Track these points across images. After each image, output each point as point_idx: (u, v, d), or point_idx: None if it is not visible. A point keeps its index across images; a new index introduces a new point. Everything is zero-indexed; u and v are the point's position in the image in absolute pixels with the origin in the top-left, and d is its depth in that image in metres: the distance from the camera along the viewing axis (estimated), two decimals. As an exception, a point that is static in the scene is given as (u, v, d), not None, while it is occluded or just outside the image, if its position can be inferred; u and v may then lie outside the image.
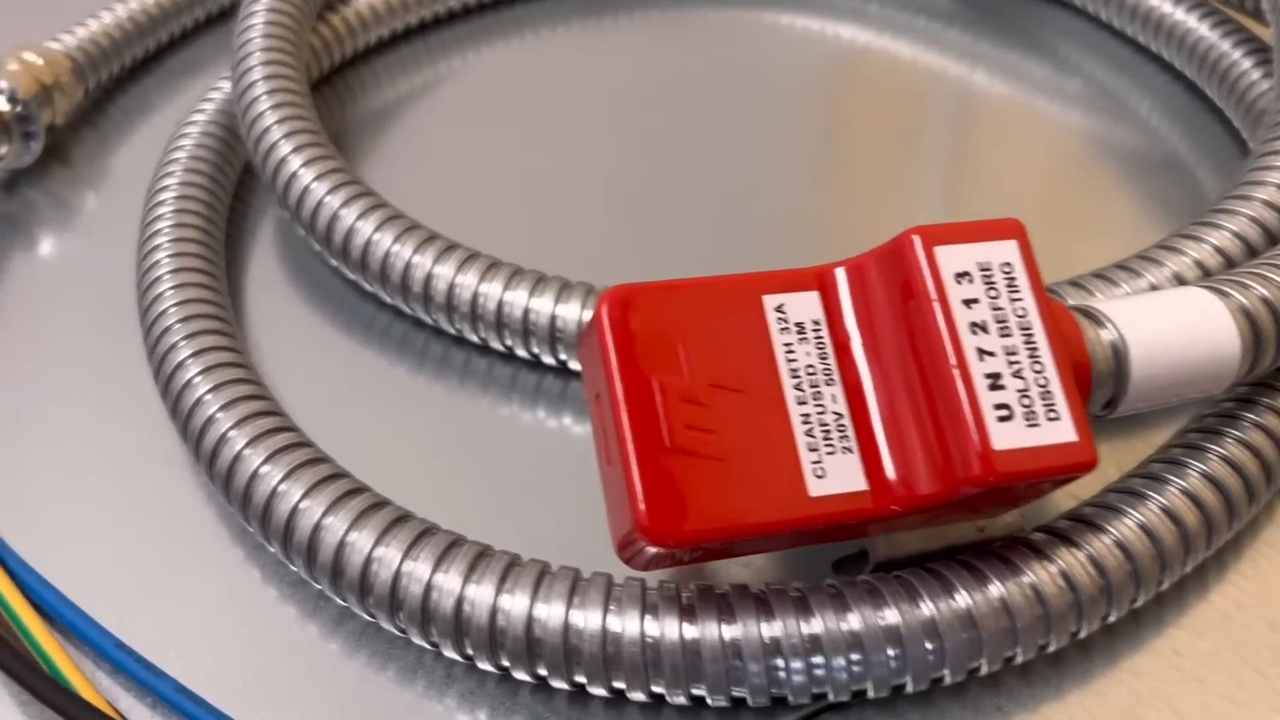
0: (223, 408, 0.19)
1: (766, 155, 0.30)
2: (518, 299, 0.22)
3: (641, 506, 0.15)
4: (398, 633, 0.18)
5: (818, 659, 0.16)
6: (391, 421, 0.23)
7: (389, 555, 0.17)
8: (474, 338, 0.23)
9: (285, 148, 0.24)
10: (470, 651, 0.17)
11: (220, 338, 0.21)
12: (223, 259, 0.24)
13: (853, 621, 0.16)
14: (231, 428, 0.19)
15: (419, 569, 0.17)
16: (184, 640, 0.19)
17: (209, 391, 0.20)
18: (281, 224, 0.27)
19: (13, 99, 0.27)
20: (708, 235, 0.27)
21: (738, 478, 0.15)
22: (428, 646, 0.18)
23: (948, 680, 0.17)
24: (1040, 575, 0.17)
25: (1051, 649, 0.17)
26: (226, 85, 0.28)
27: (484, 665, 0.17)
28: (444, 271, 0.22)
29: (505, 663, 0.17)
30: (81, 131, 0.30)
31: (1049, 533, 0.17)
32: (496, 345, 0.23)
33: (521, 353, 0.22)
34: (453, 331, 0.23)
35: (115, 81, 0.31)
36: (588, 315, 0.21)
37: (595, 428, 0.17)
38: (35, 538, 0.20)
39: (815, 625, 0.16)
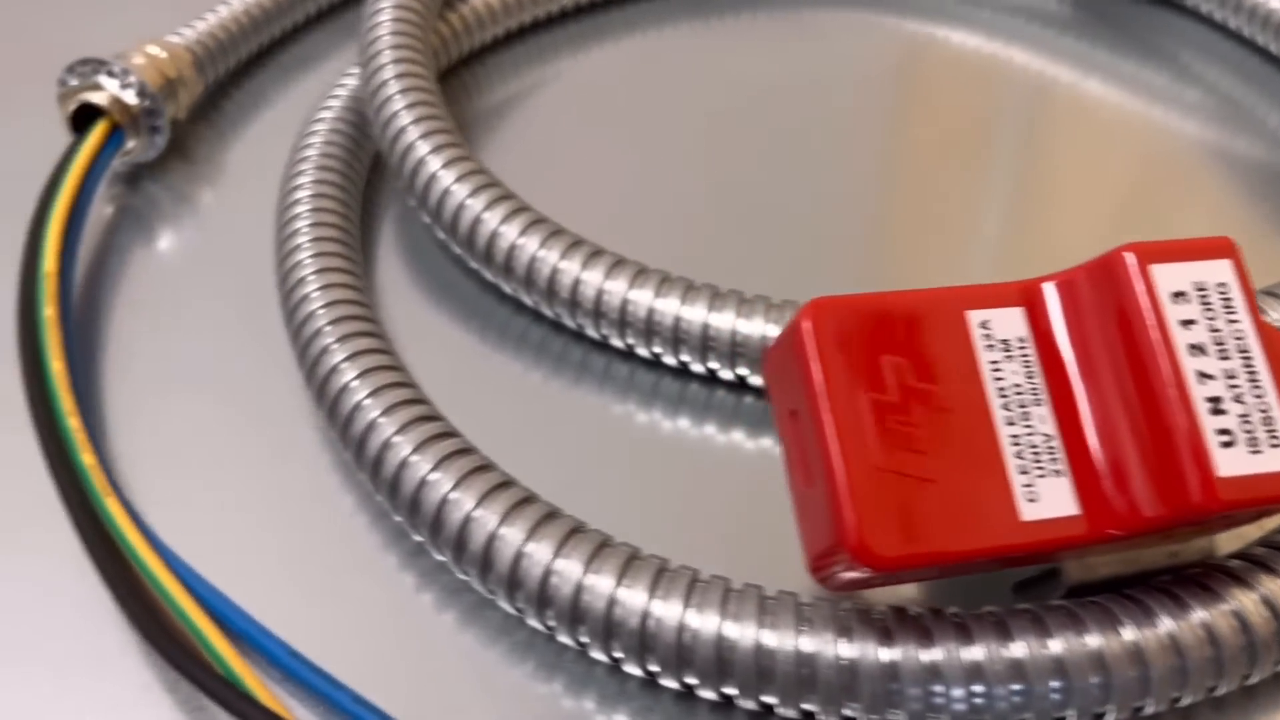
0: (385, 412, 0.19)
1: (874, 160, 0.30)
2: (668, 306, 0.22)
3: (853, 529, 0.15)
4: (576, 646, 0.17)
5: (1018, 685, 0.16)
6: (528, 426, 0.22)
7: (569, 568, 0.17)
8: (619, 343, 0.22)
9: (423, 148, 0.24)
10: (655, 668, 0.17)
11: (372, 339, 0.21)
12: (361, 255, 0.24)
13: (1055, 647, 0.16)
14: (395, 433, 0.19)
15: (601, 583, 0.17)
16: (345, 648, 0.18)
17: (368, 396, 0.19)
18: (404, 222, 0.27)
19: (142, 92, 0.26)
20: (821, 241, 0.27)
21: (948, 501, 0.15)
22: (605, 660, 0.17)
23: (1149, 709, 0.16)
24: (1243, 602, 0.16)
25: (1254, 680, 0.17)
26: (350, 81, 0.28)
27: (668, 682, 0.17)
28: (592, 277, 0.22)
29: (691, 680, 0.16)
30: (198, 126, 0.30)
31: (1245, 559, 0.17)
32: (643, 352, 0.22)
33: (670, 360, 0.22)
34: (596, 337, 0.23)
35: (229, 77, 0.31)
36: (742, 325, 0.21)
37: (787, 446, 0.16)
38: (182, 540, 0.19)
39: (1018, 650, 0.16)
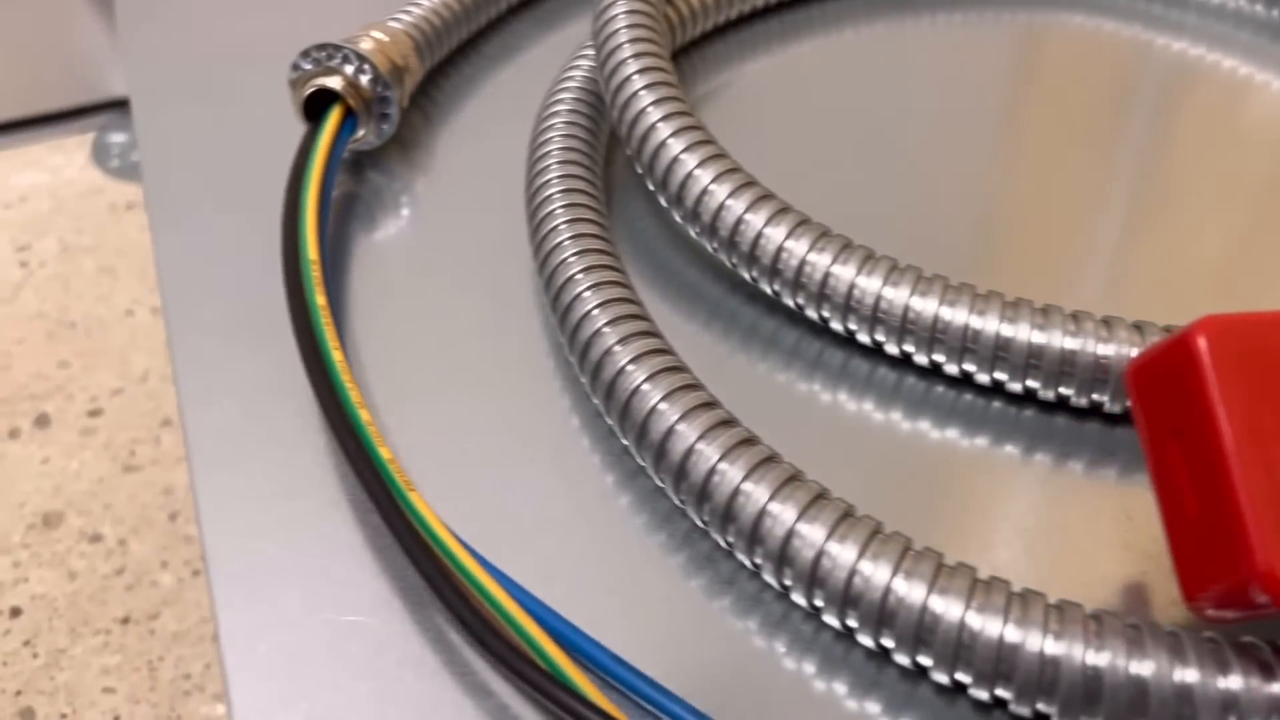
0: (683, 418, 0.19)
1: (1077, 164, 0.29)
2: (957, 316, 0.21)
3: (1263, 559, 0.14)
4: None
5: None
6: (771, 427, 0.22)
7: (913, 591, 0.16)
8: (894, 350, 0.22)
9: (676, 146, 0.23)
10: (1008, 694, 0.16)
11: (650, 338, 0.20)
12: (616, 246, 0.23)
13: None
14: (699, 438, 0.18)
15: (951, 608, 0.16)
16: (647, 649, 0.18)
17: (662, 400, 0.19)
18: (627, 207, 0.26)
19: (376, 79, 0.26)
20: (1023, 243, 0.26)
21: (1358, 532, 0.14)
22: (949, 684, 0.17)
23: None
24: None
25: None
26: (577, 70, 0.27)
27: (1021, 709, 0.16)
28: (870, 284, 0.21)
29: (1047, 708, 0.16)
30: (411, 114, 0.29)
31: None
32: (892, 350, 0.22)
33: (921, 360, 0.22)
34: (842, 331, 0.22)
35: (437, 65, 0.31)
36: (1037, 337, 0.20)
37: (1165, 467, 0.16)
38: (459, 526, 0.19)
39: None
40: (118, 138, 0.87)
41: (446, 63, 0.31)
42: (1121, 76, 0.33)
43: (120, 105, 0.90)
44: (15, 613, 0.54)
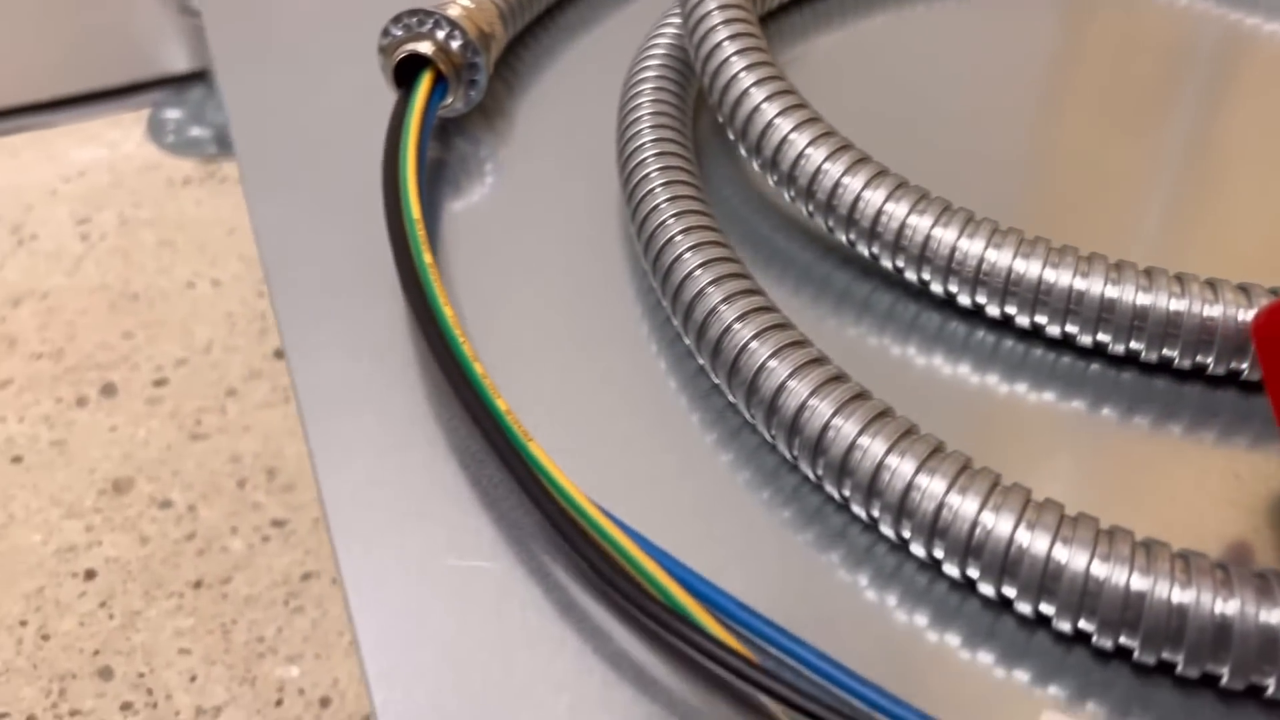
0: (793, 374, 0.19)
1: (1144, 137, 0.29)
2: (1061, 278, 0.21)
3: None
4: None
5: None
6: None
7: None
8: (995, 312, 0.22)
9: (770, 110, 0.24)
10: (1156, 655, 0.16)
11: (755, 295, 0.21)
12: (711, 206, 0.24)
13: None
14: (812, 394, 0.19)
15: (1074, 558, 0.16)
16: (758, 600, 0.18)
17: (771, 356, 0.19)
18: (713, 178, 0.26)
19: (466, 45, 0.26)
20: (1087, 212, 0.26)
21: None
22: (1070, 633, 0.17)
23: None
24: None
25: None
26: (662, 37, 0.27)
27: (1144, 659, 0.16)
28: (973, 246, 0.21)
29: (1172, 656, 0.16)
30: (493, 84, 0.30)
31: None
32: (1023, 323, 0.22)
33: (1053, 331, 0.22)
34: (941, 294, 0.22)
35: (517, 37, 0.31)
36: (1142, 299, 0.20)
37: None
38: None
39: None
40: (173, 114, 0.89)
41: (525, 33, 0.31)
42: (1191, 51, 0.33)
43: (175, 82, 0.91)
44: (90, 575, 0.55)
